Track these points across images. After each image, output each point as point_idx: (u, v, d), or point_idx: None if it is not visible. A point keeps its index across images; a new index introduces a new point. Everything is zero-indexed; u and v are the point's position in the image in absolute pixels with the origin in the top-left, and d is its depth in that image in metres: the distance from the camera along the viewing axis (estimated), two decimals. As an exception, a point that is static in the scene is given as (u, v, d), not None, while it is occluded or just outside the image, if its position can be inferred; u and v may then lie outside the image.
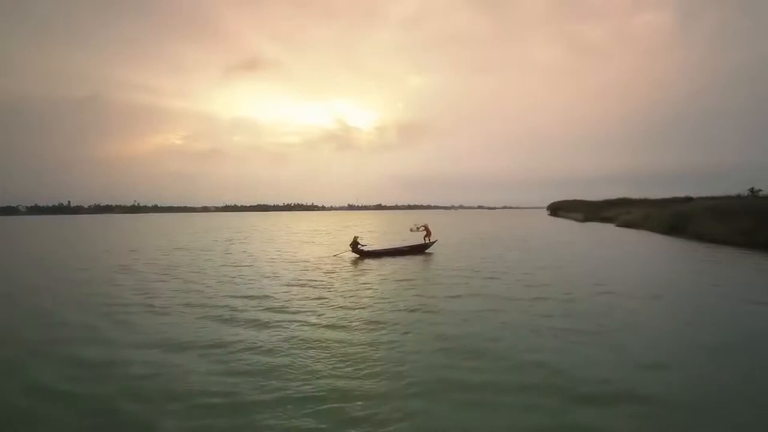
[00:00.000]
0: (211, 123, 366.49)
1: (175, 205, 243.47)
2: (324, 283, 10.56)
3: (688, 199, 34.59)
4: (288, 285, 10.31)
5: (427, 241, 17.50)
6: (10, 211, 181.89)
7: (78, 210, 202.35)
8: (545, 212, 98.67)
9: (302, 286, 10.20)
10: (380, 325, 6.79)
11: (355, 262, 14.24)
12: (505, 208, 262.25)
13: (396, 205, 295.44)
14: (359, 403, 4.18)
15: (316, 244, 21.52)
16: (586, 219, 40.35)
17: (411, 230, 18.21)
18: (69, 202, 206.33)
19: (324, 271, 12.48)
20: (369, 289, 9.81)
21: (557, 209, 74.56)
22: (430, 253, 16.74)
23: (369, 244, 16.85)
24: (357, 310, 7.77)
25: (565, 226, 36.73)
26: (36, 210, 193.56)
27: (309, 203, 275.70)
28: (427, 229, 17.88)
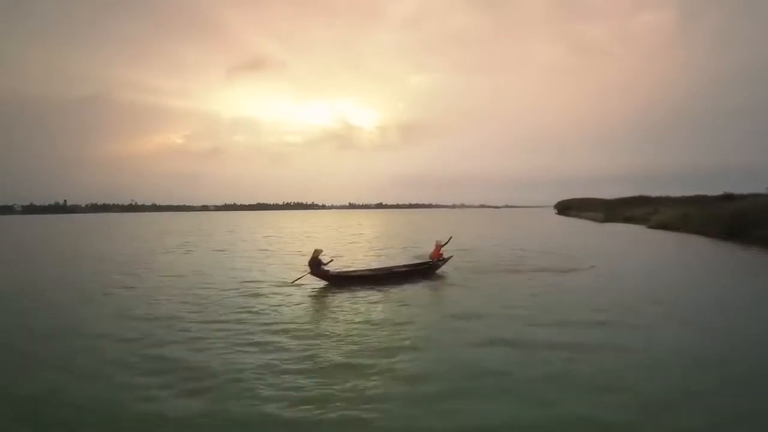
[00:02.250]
0: (212, 122, 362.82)
1: (174, 204, 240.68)
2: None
3: (728, 197, 30.18)
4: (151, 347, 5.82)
5: (437, 259, 11.27)
6: (5, 210, 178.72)
7: (74, 209, 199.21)
8: (551, 211, 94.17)
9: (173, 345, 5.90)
10: None
11: (315, 296, 8.81)
12: (507, 207, 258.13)
13: (397, 204, 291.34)
14: None
15: (281, 255, 16.51)
16: (607, 219, 35.98)
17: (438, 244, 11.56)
18: (65, 201, 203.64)
19: (244, 314, 7.36)
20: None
21: (567, 208, 70.04)
22: (441, 276, 10.87)
23: (332, 260, 10.14)
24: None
25: (588, 228, 31.88)
26: (32, 209, 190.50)
27: (309, 202, 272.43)
28: (438, 248, 11.44)
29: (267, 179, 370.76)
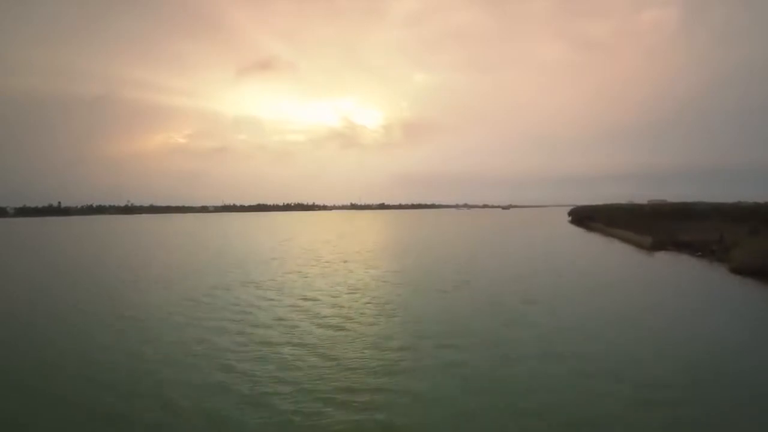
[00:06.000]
0: (215, 121, 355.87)
1: (173, 205, 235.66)
2: None
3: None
4: None
5: None
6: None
7: (68, 211, 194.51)
8: (562, 214, 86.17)
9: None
10: None
11: None
12: (510, 206, 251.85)
13: (400, 204, 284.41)
14: None
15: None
16: (655, 246, 28.68)
17: None
18: (59, 202, 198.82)
19: None
20: None
21: (587, 218, 62.00)
22: None
23: None
24: None
25: (658, 273, 21.20)
26: (25, 211, 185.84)
27: (310, 203, 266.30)
28: None
29: (269, 178, 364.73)
